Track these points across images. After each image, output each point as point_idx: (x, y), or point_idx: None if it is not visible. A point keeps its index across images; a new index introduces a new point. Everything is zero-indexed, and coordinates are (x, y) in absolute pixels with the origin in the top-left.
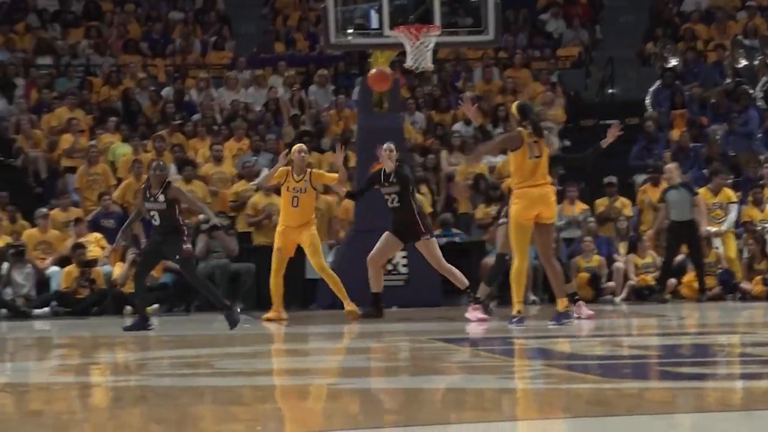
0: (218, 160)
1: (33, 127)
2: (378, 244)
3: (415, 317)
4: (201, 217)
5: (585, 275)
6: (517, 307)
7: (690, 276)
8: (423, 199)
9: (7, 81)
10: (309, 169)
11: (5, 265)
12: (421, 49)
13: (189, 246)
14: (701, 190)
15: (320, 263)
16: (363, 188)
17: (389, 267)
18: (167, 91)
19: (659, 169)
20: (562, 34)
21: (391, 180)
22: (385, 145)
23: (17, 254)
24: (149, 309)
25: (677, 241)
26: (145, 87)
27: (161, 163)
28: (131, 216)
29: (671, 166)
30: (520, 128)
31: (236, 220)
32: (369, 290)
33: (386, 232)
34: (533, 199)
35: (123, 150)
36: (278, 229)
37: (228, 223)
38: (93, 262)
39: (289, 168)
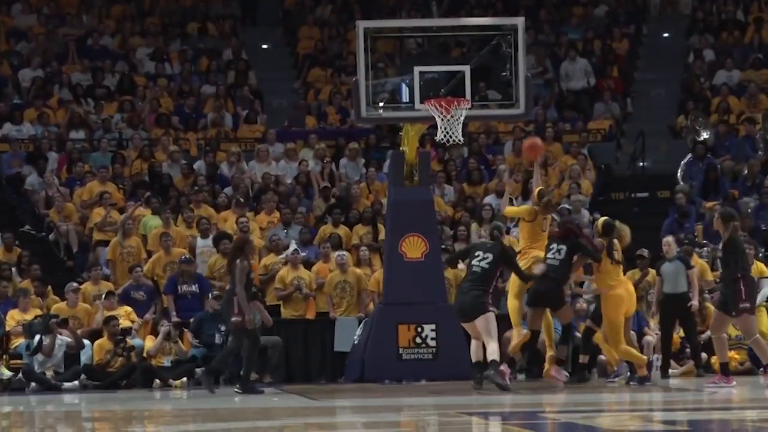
0: (244, 233)
1: (65, 201)
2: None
3: (443, 390)
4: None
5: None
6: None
7: (731, 352)
8: (457, 272)
9: (39, 155)
10: None
11: (38, 337)
12: (451, 122)
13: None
14: None
15: None
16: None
17: (418, 340)
18: (199, 165)
19: (693, 242)
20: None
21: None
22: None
23: (61, 322)
24: (178, 382)
25: (670, 315)
26: (177, 160)
27: None
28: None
29: (669, 239)
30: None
31: (265, 293)
32: (398, 362)
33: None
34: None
35: (154, 222)
36: None
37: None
38: (128, 331)
39: None
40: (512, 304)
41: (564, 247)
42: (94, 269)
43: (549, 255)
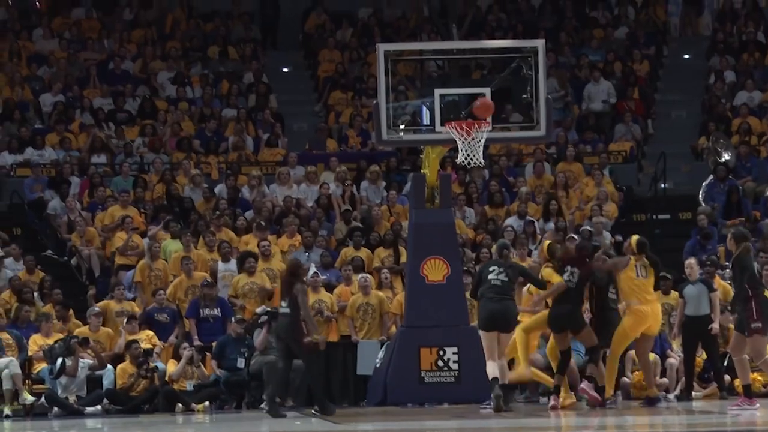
0: (266, 256)
1: (87, 225)
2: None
3: (466, 414)
4: (258, 309)
5: (640, 373)
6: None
7: (754, 374)
8: None
9: (61, 179)
10: None
11: (60, 360)
12: (472, 144)
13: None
14: None
15: None
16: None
17: (440, 363)
18: (220, 188)
19: (715, 264)
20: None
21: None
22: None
23: (83, 342)
24: (200, 406)
25: (692, 337)
26: (198, 184)
27: None
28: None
29: (692, 261)
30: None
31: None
32: (420, 385)
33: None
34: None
35: (173, 246)
36: None
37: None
38: (149, 352)
39: None
40: (520, 336)
41: (577, 271)
42: (118, 288)
43: (565, 277)
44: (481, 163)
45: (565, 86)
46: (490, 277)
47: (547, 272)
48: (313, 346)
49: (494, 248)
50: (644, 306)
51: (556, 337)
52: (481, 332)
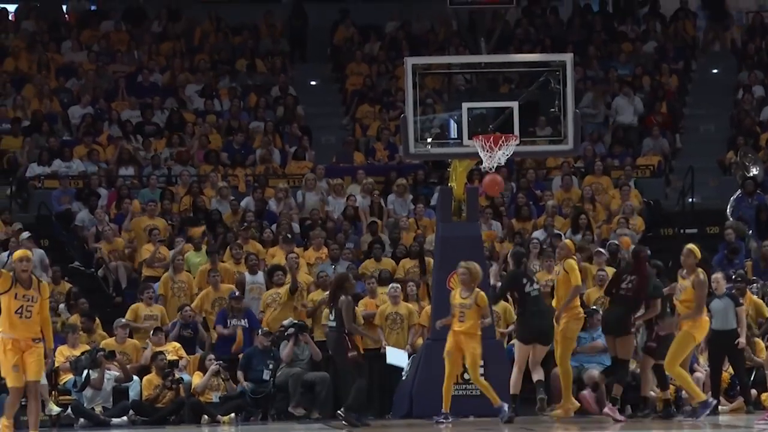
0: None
1: (114, 237)
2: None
3: (492, 427)
4: (285, 322)
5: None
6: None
7: None
8: (506, 307)
9: (89, 191)
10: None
11: (86, 372)
12: (498, 158)
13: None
14: None
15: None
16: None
17: (466, 376)
18: (247, 201)
19: (744, 279)
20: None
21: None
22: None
23: (109, 355)
24: (226, 418)
25: (719, 351)
26: (226, 196)
27: None
28: None
29: (718, 276)
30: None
31: (314, 329)
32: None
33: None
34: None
35: (196, 259)
36: None
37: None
38: (175, 363)
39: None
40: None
41: (636, 278)
42: (147, 292)
43: (623, 285)
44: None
45: (603, 101)
46: (527, 290)
47: (569, 264)
48: (358, 359)
49: (510, 258)
50: (706, 316)
51: (605, 338)
52: (518, 343)
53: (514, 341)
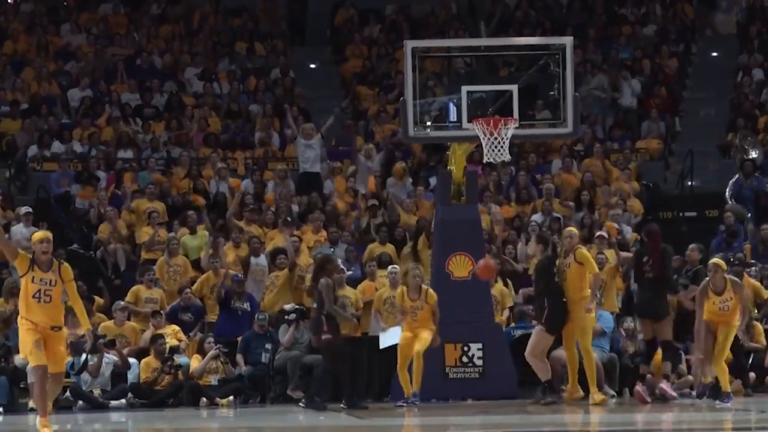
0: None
1: (113, 220)
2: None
3: (490, 410)
4: (287, 306)
5: None
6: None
7: None
8: (503, 290)
9: (88, 174)
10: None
11: (84, 356)
12: (498, 141)
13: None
14: None
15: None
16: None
17: (465, 359)
18: (246, 184)
19: (742, 262)
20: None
21: None
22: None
23: (109, 344)
24: (224, 401)
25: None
26: (224, 178)
27: None
28: None
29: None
30: None
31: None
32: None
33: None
34: None
35: (193, 243)
36: None
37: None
38: (175, 349)
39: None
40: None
41: (652, 256)
42: (148, 274)
43: (645, 268)
44: (507, 159)
45: (617, 84)
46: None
47: (582, 254)
48: (332, 341)
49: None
50: None
51: (640, 323)
52: (543, 330)
53: (538, 329)
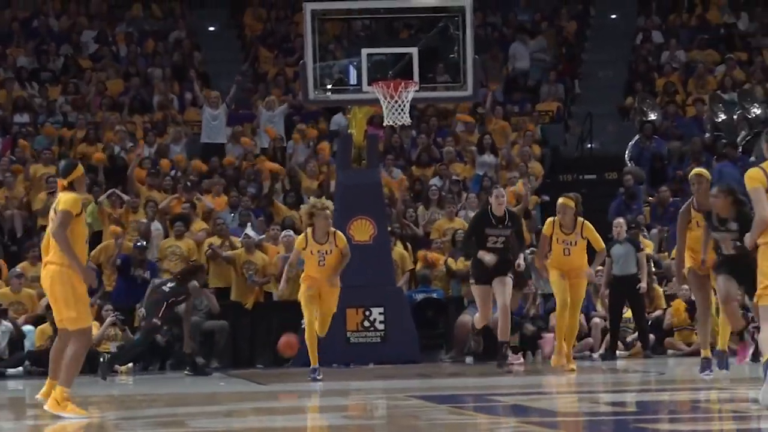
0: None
1: (11, 185)
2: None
3: (391, 374)
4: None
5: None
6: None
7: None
8: (403, 254)
9: None
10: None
11: None
12: (398, 104)
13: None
14: None
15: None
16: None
17: (366, 323)
18: (146, 148)
19: (640, 225)
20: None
21: (506, 224)
22: (496, 192)
23: (1, 313)
24: (123, 368)
25: (619, 296)
26: (122, 141)
27: None
28: None
29: (620, 221)
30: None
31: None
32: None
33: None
34: None
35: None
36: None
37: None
38: None
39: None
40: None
41: None
42: (32, 250)
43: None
44: (408, 122)
45: (554, 48)
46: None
47: (590, 229)
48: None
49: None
50: None
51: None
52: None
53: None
